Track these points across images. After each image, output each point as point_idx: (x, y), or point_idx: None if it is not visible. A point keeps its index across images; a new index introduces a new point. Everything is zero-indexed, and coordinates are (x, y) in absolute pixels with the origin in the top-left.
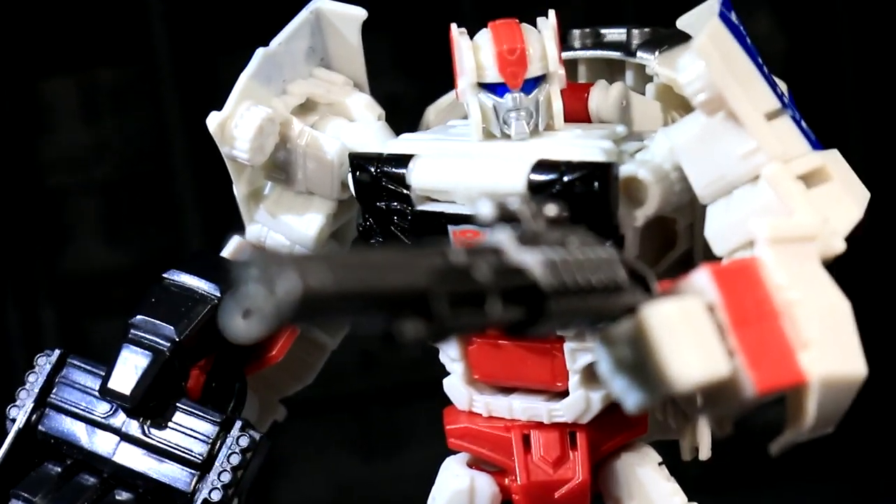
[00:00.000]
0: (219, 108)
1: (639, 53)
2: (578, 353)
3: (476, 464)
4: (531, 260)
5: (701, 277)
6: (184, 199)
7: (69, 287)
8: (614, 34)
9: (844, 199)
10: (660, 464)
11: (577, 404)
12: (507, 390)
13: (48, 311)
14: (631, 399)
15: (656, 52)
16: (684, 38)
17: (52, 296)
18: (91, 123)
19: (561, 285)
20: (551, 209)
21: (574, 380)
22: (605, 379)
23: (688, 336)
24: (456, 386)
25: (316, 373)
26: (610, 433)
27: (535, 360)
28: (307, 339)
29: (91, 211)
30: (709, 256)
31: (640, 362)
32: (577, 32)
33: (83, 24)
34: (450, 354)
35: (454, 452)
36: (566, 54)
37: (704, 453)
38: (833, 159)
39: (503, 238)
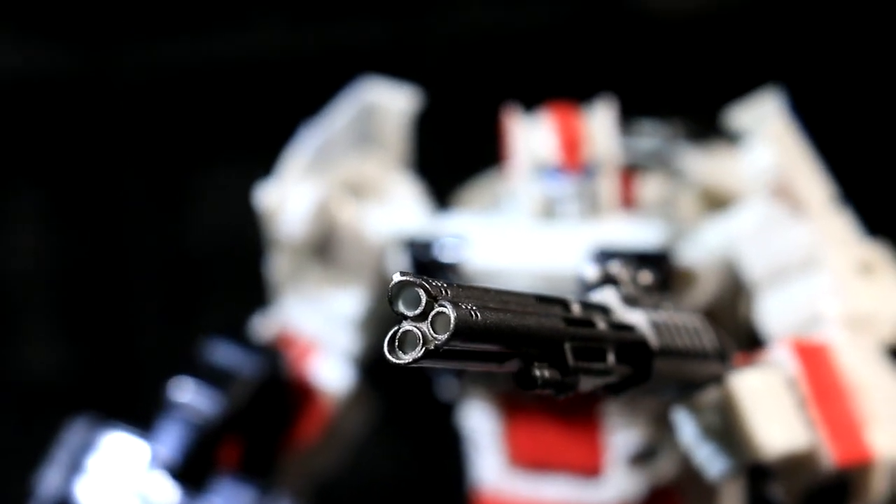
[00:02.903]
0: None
1: (678, 159)
2: (620, 435)
3: None
4: (638, 319)
5: (781, 352)
6: (138, 310)
7: (21, 389)
8: (646, 127)
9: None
10: None
11: (616, 494)
12: (542, 471)
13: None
14: (716, 466)
15: (694, 152)
16: (712, 129)
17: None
18: (49, 229)
19: (665, 346)
20: (646, 276)
21: (614, 465)
22: (690, 446)
23: (773, 407)
24: (488, 466)
25: (339, 460)
26: None
27: (575, 440)
28: (334, 426)
29: (46, 315)
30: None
31: (727, 430)
32: None
33: (48, 132)
34: (481, 434)
35: None
36: None
37: None
38: (883, 249)
39: (609, 297)
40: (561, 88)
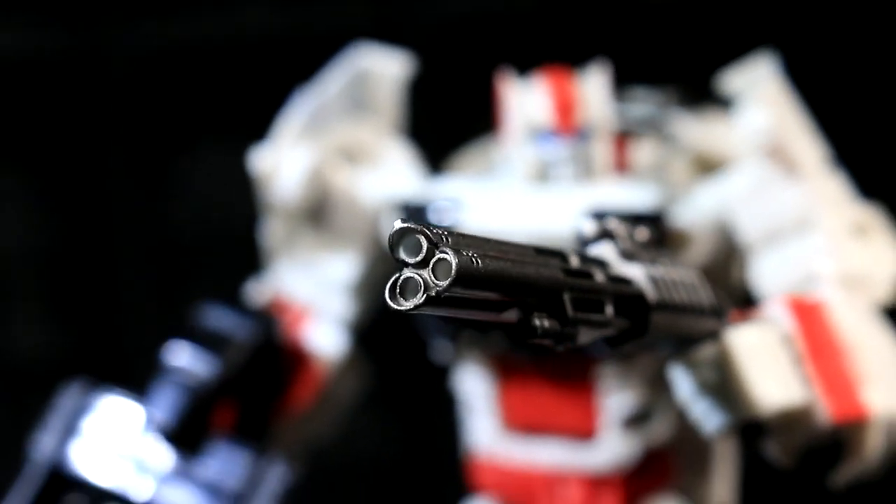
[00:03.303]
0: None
1: (671, 125)
2: (614, 397)
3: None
4: (636, 273)
5: (777, 309)
6: (126, 291)
7: (9, 370)
8: (639, 94)
9: (889, 250)
10: None
11: (610, 456)
12: (536, 435)
13: None
14: (712, 421)
15: (687, 119)
16: (705, 96)
17: None
18: (35, 210)
19: (662, 299)
20: (642, 232)
21: (608, 427)
22: (687, 402)
23: (769, 363)
24: (482, 429)
25: (332, 426)
26: (639, 483)
27: (569, 403)
28: (328, 391)
29: (34, 297)
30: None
31: (723, 386)
32: None
33: (33, 113)
34: (475, 398)
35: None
36: None
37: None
38: (877, 211)
39: (607, 252)
40: (554, 56)
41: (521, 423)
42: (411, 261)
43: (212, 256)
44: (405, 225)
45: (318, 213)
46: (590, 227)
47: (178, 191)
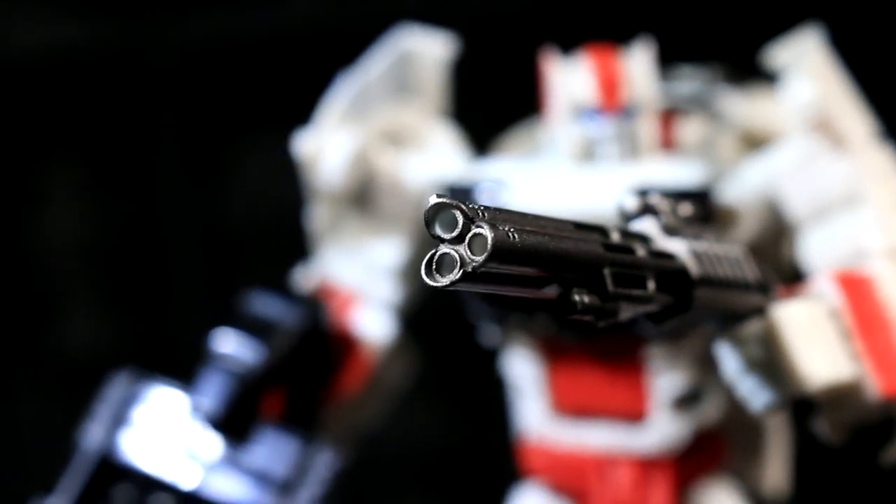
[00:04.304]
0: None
1: (717, 102)
2: (664, 378)
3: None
4: (679, 248)
5: (824, 284)
6: (179, 283)
7: (63, 365)
8: (685, 72)
9: None
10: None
11: (660, 438)
12: (585, 417)
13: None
14: (760, 399)
15: (734, 95)
16: (751, 72)
17: (40, 377)
18: (88, 204)
19: (706, 274)
20: (686, 207)
21: (658, 409)
22: (733, 379)
23: (817, 338)
24: (532, 412)
25: (382, 413)
26: (690, 465)
27: (618, 385)
28: (376, 377)
29: (87, 291)
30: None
31: (770, 362)
32: None
33: (86, 107)
34: (524, 381)
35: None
36: None
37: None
38: None
39: (649, 227)
40: (598, 34)
41: (570, 406)
42: (447, 236)
43: (264, 247)
44: (440, 200)
45: (364, 196)
46: (632, 203)
47: (229, 182)
